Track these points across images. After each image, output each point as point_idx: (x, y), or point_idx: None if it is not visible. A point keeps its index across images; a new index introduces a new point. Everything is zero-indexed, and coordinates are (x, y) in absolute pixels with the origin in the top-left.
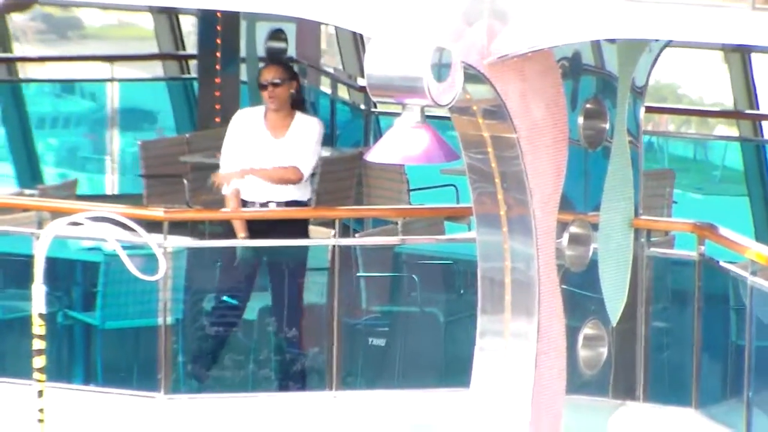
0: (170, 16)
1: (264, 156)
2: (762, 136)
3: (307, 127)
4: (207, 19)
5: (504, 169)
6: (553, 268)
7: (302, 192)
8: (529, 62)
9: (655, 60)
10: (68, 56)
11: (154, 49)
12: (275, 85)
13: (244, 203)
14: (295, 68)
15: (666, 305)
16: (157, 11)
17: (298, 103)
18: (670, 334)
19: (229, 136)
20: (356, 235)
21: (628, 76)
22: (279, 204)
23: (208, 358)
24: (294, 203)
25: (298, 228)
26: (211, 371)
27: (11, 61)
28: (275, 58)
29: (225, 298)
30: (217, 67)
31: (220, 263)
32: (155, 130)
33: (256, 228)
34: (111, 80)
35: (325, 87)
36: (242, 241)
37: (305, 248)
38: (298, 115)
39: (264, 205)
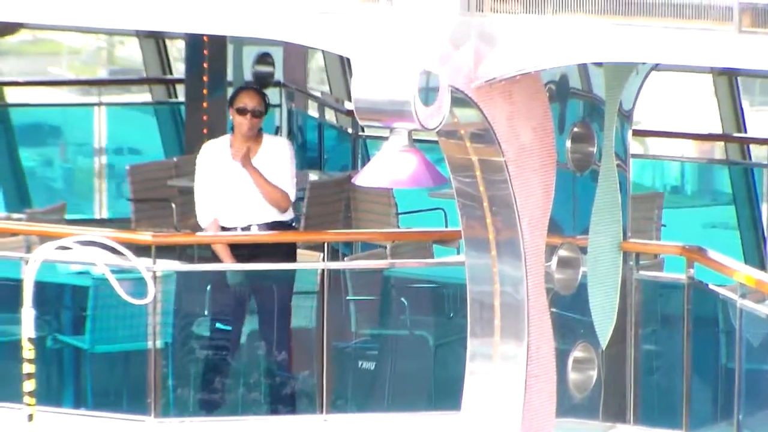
0: (157, 40)
1: (237, 184)
2: (750, 159)
3: (279, 149)
4: (194, 43)
5: (492, 192)
6: (542, 292)
7: (285, 213)
8: (517, 86)
9: (642, 83)
10: (55, 80)
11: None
12: (255, 114)
13: (225, 229)
14: (282, 93)
15: (655, 328)
16: (144, 36)
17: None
18: (659, 357)
19: (199, 173)
20: (345, 258)
21: (615, 99)
22: (260, 226)
23: (199, 381)
24: (277, 224)
25: (285, 250)
26: (201, 395)
27: None
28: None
29: (218, 324)
30: (204, 91)
31: (211, 288)
32: (142, 155)
33: (242, 252)
34: (99, 104)
35: (313, 111)
36: (232, 265)
37: (292, 271)
38: (266, 137)
39: (245, 229)
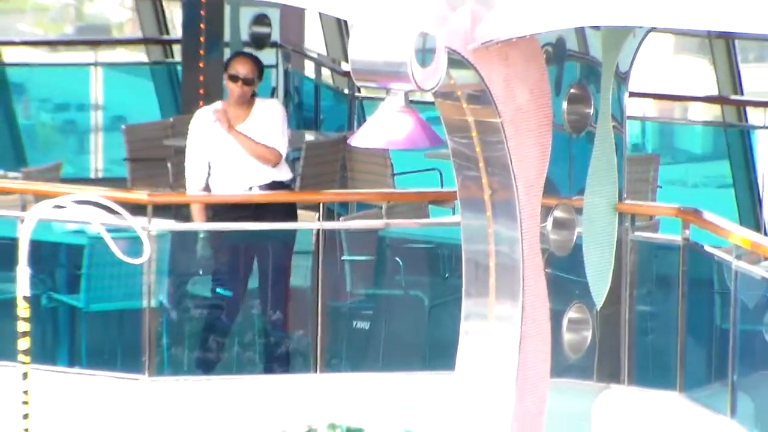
0: (154, 1)
1: (224, 148)
2: (746, 121)
3: (269, 110)
4: (191, 3)
5: (488, 153)
6: (537, 252)
7: (282, 172)
8: (514, 48)
9: (640, 45)
10: (51, 40)
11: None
12: (247, 82)
13: None
14: (279, 53)
15: (650, 289)
16: None
17: (254, 92)
18: (654, 318)
19: (190, 138)
20: (340, 218)
21: (612, 61)
22: (261, 187)
23: (193, 341)
24: (276, 184)
25: (286, 209)
26: (195, 353)
27: None
28: (253, 46)
29: (218, 290)
30: (201, 51)
31: (212, 248)
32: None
33: (245, 214)
34: (95, 64)
35: (309, 71)
36: (228, 225)
37: (293, 231)
38: (257, 101)
39: (247, 190)
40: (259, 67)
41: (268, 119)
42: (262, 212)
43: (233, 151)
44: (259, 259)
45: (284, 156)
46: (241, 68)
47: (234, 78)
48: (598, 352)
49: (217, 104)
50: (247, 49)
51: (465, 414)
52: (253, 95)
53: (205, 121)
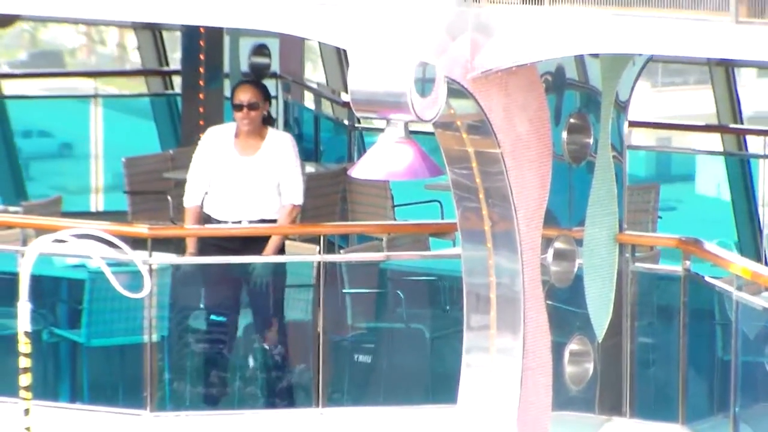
0: (153, 32)
1: (231, 174)
2: (746, 150)
3: (283, 146)
4: (190, 34)
5: (488, 184)
6: (538, 284)
7: (274, 210)
8: (513, 77)
9: (639, 74)
10: (52, 72)
11: None
12: (251, 107)
13: (215, 221)
14: (279, 84)
15: (651, 320)
16: (141, 27)
17: (268, 120)
18: (655, 349)
19: (197, 154)
20: (341, 251)
21: (611, 90)
22: (251, 222)
23: (195, 375)
24: (264, 221)
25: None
26: (197, 388)
27: None
28: (252, 77)
29: (212, 316)
30: (201, 82)
31: (204, 281)
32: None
33: (230, 246)
34: (95, 96)
35: (309, 102)
36: (227, 258)
37: (283, 264)
38: (270, 132)
39: (236, 223)
40: (262, 91)
41: (283, 158)
42: (249, 244)
43: (236, 181)
44: (250, 293)
45: (302, 201)
46: (243, 95)
47: (238, 107)
48: (600, 385)
49: (231, 126)
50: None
51: None
52: (266, 122)
53: (216, 140)
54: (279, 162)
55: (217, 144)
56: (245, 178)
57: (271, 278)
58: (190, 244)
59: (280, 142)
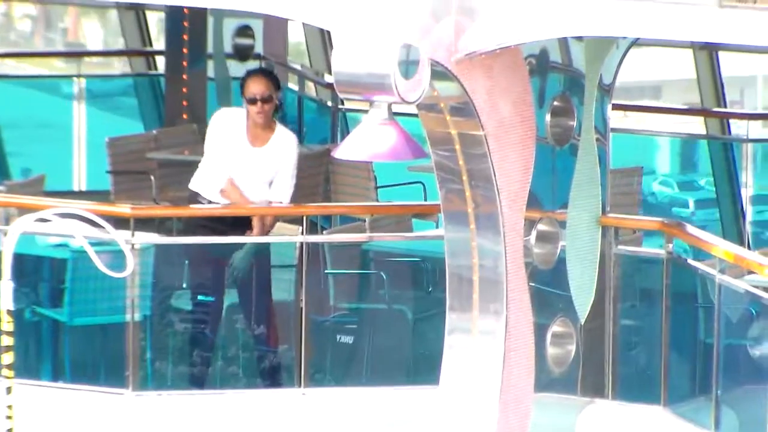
0: (137, 12)
1: (243, 164)
2: (730, 134)
3: (288, 145)
4: (174, 15)
5: (471, 166)
6: (520, 266)
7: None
8: (497, 59)
9: (623, 57)
10: (35, 52)
11: None
12: (265, 101)
13: (209, 202)
14: (262, 65)
15: (634, 303)
16: (125, 8)
17: (277, 108)
18: (638, 332)
19: (211, 136)
20: (324, 232)
21: (595, 73)
22: None
23: (177, 355)
24: None
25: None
26: (180, 368)
27: None
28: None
29: (200, 297)
30: (184, 63)
31: (189, 260)
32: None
33: (217, 227)
34: (78, 76)
35: (293, 84)
36: (208, 238)
37: (267, 245)
38: (278, 128)
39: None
40: (274, 81)
41: (285, 158)
42: (235, 227)
43: (239, 169)
44: (236, 273)
45: (289, 200)
46: (256, 88)
47: (252, 101)
48: (582, 367)
49: (241, 112)
50: (230, 62)
51: (449, 428)
52: (276, 112)
53: (229, 126)
54: (281, 159)
55: (230, 130)
56: (251, 168)
57: (254, 259)
58: (257, 226)
59: (286, 141)
